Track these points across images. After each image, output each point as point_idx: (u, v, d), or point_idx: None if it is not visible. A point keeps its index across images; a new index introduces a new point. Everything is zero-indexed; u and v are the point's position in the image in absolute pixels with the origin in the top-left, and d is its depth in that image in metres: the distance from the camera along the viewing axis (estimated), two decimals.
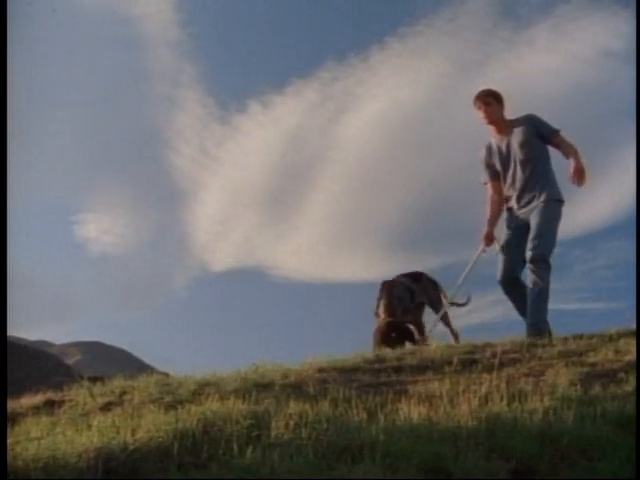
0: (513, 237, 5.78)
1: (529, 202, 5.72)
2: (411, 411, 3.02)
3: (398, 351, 5.04)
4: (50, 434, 3.00)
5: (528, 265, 5.50)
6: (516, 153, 5.78)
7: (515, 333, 5.34)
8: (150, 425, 2.78)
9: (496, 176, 5.95)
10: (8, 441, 2.91)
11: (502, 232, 5.89)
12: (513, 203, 5.84)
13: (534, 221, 5.61)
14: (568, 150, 5.69)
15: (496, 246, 5.97)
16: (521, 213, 5.77)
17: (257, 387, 3.80)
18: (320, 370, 4.41)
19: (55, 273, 79.09)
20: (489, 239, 5.99)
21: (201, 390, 3.83)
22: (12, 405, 4.21)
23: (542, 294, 5.44)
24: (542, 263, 5.47)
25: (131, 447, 2.57)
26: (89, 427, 2.97)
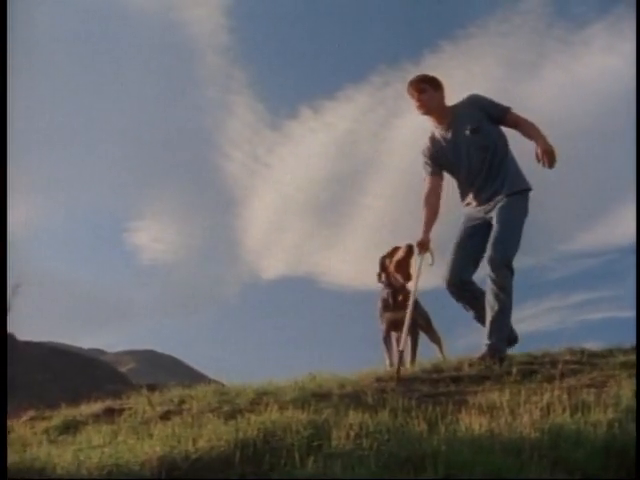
0: (467, 236, 5.12)
1: (491, 198, 5.03)
2: (472, 422, 2.98)
3: (455, 361, 4.98)
4: (112, 442, 3.04)
5: (489, 270, 4.85)
6: (468, 142, 5.05)
7: (571, 342, 5.09)
8: (211, 434, 2.80)
9: (438, 171, 5.24)
10: (71, 448, 2.96)
11: (457, 231, 5.21)
12: (471, 200, 5.16)
13: (497, 220, 4.93)
14: (529, 128, 4.99)
15: (429, 257, 5.22)
16: (482, 210, 5.09)
17: (315, 397, 3.79)
18: (378, 379, 4.38)
19: (107, 281, 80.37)
20: (424, 247, 5.20)
21: (259, 399, 3.83)
22: (72, 412, 4.29)
23: (504, 310, 4.84)
24: (505, 269, 4.82)
25: (193, 456, 2.60)
26: (150, 436, 3.01)
